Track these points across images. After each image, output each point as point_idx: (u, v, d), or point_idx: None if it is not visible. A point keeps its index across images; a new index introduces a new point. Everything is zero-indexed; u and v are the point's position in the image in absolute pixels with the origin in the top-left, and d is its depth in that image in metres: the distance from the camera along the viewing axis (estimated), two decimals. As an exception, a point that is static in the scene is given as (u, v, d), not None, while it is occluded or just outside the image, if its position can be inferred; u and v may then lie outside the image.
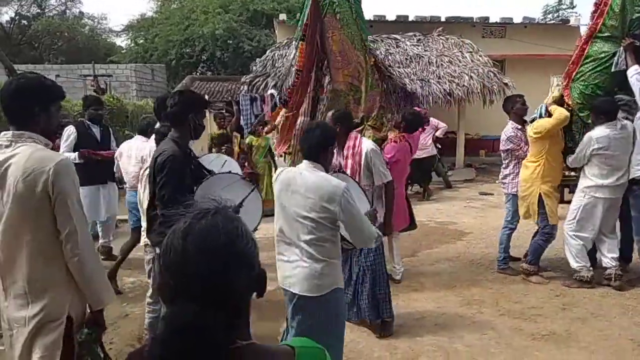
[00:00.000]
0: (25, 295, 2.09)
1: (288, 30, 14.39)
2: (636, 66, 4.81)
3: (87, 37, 30.31)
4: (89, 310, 2.24)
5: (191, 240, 1.03)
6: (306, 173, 2.75)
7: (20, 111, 2.10)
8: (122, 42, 31.25)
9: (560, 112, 5.06)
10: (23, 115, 2.10)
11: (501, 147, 5.61)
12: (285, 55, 12.63)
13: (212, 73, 24.74)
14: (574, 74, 5.24)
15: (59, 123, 2.48)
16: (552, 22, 18.44)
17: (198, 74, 24.20)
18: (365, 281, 4.13)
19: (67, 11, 31.31)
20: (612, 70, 4.98)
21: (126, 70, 20.00)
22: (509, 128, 5.53)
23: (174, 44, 23.17)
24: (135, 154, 5.12)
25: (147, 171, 3.43)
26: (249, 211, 3.09)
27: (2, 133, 2.12)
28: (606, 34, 5.09)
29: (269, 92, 10.77)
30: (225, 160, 4.00)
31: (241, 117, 8.77)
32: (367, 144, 4.34)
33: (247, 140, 8.45)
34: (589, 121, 5.06)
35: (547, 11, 28.88)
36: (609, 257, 5.05)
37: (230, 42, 22.74)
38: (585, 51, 5.19)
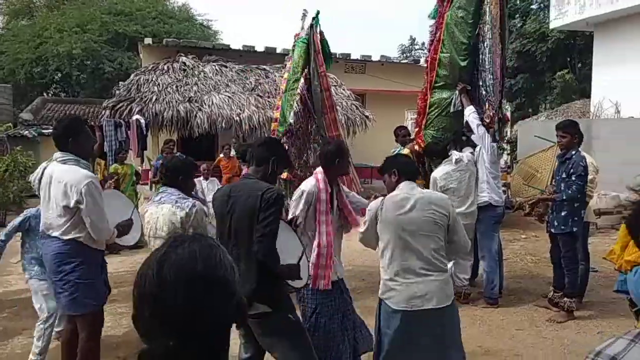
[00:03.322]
0: None
1: (154, 54, 14.00)
2: (471, 106, 5.57)
3: None
4: None
5: (167, 269, 0.99)
6: (419, 191, 3.09)
7: None
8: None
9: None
10: None
11: None
12: (152, 79, 12.28)
13: (67, 95, 23.05)
14: (423, 122, 5.96)
15: None
16: (406, 61, 20.22)
17: (51, 95, 22.40)
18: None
19: None
20: (452, 110, 5.75)
21: (-36, 89, 17.83)
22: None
23: (22, 62, 21.21)
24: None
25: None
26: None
27: None
28: (441, 83, 5.92)
29: (135, 117, 10.36)
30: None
31: (105, 143, 8.31)
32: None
33: (111, 169, 8.03)
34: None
35: (403, 50, 31.71)
36: (460, 277, 5.61)
37: (89, 62, 21.43)
38: (428, 101, 5.93)
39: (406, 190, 3.09)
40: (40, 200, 3.57)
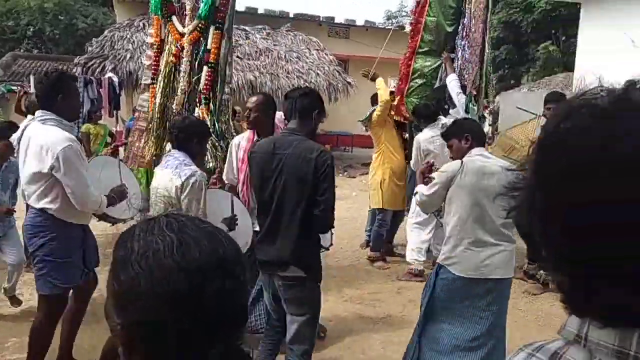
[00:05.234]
0: None
1: (129, 10, 13.44)
2: (453, 74, 5.40)
3: None
4: None
5: (194, 257, 0.82)
6: (488, 158, 3.04)
7: None
8: None
9: (380, 96, 5.58)
10: None
11: None
12: (126, 36, 11.80)
13: (39, 51, 22.20)
14: (405, 89, 5.76)
15: None
16: (390, 27, 19.84)
17: (22, 50, 21.54)
18: None
19: None
20: (437, 86, 5.58)
21: None
22: None
23: (-8, 15, 20.35)
24: None
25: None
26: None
27: None
28: (426, 49, 5.70)
29: (107, 75, 9.97)
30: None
31: (74, 101, 7.95)
32: None
33: (83, 129, 7.68)
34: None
35: (389, 16, 31.15)
36: (439, 247, 5.53)
37: (62, 17, 20.61)
38: (411, 67, 5.72)
39: (481, 156, 3.01)
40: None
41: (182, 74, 4.46)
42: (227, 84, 4.45)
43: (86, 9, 20.95)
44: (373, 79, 5.92)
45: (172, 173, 2.92)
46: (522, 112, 7.04)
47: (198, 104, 4.41)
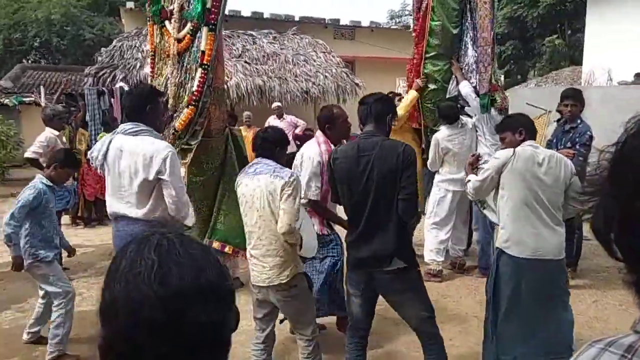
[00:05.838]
0: None
1: (136, 19, 13.55)
2: (465, 81, 5.43)
3: None
4: None
5: (176, 285, 0.79)
6: (538, 148, 3.17)
7: None
8: None
9: (407, 96, 5.62)
10: None
11: None
12: (135, 45, 11.90)
13: (47, 62, 22.40)
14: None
15: None
16: (396, 27, 19.86)
17: (30, 62, 21.75)
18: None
19: None
20: (447, 96, 5.59)
21: (-62, 56, 17.21)
22: None
23: (0, 28, 20.51)
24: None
25: None
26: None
27: None
28: (433, 53, 5.68)
29: (118, 85, 10.04)
30: None
31: (87, 112, 8.02)
32: None
33: (99, 138, 7.80)
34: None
35: (392, 16, 31.10)
36: (456, 248, 5.61)
37: (69, 28, 20.74)
38: (421, 73, 5.73)
39: (531, 146, 3.17)
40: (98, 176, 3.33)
41: (171, 79, 4.48)
42: (209, 87, 4.33)
43: (92, 20, 21.09)
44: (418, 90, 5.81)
45: (270, 177, 3.01)
46: (531, 107, 7.03)
47: (187, 105, 4.33)
